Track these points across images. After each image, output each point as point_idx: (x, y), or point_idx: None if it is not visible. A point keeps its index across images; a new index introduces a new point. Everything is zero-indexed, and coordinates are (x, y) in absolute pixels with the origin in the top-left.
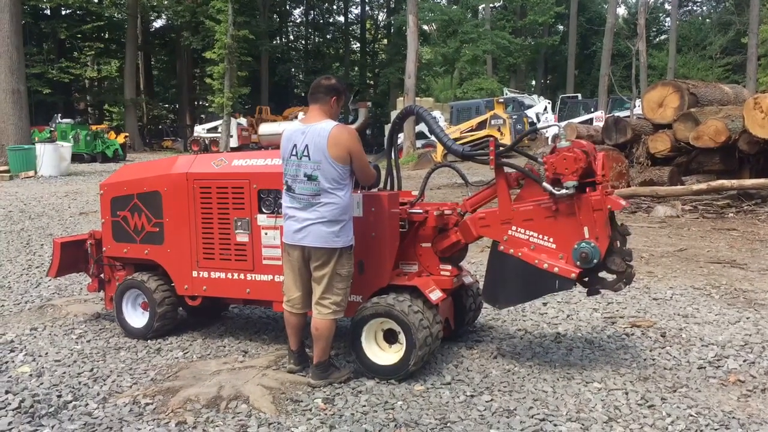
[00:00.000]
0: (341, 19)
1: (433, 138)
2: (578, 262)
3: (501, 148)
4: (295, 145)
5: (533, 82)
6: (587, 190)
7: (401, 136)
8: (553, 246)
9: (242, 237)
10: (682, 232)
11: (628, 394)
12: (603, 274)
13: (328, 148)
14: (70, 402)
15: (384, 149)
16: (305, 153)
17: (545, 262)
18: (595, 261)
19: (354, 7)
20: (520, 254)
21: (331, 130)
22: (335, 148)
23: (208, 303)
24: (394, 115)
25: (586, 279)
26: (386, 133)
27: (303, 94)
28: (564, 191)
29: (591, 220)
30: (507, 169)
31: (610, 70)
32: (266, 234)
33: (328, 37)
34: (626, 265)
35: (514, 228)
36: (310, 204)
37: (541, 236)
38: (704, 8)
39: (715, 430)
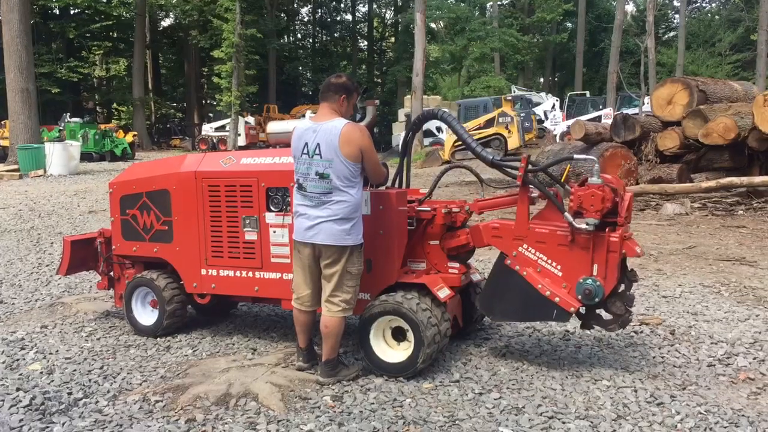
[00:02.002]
0: (349, 17)
1: (441, 136)
2: (580, 297)
3: (532, 167)
4: (306, 144)
5: (541, 80)
6: (607, 229)
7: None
8: (560, 273)
9: (251, 235)
10: (691, 229)
11: (637, 391)
12: (600, 311)
13: (339, 146)
14: (81, 399)
15: (405, 148)
16: (317, 151)
17: (548, 289)
18: (597, 299)
19: (361, 5)
20: (525, 273)
21: (343, 128)
22: (347, 146)
23: (217, 301)
24: (402, 113)
25: (583, 312)
26: (393, 131)
27: (311, 93)
28: (584, 226)
29: (603, 259)
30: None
31: (618, 68)
32: (275, 232)
33: (335, 35)
34: (626, 310)
35: (525, 246)
36: (322, 202)
37: (549, 261)
38: (713, 5)
39: (725, 427)
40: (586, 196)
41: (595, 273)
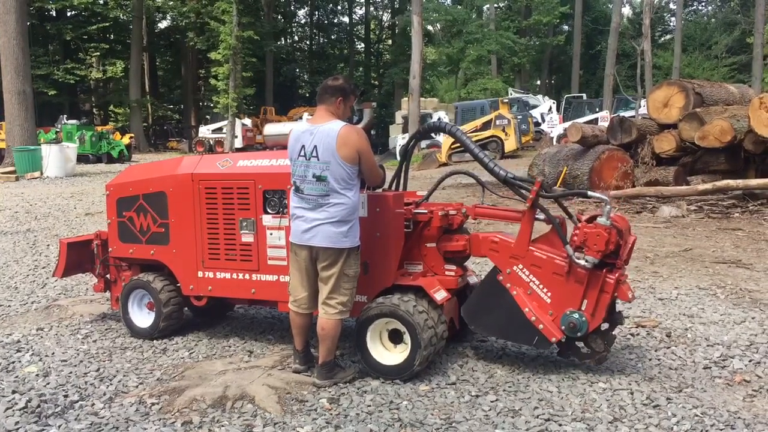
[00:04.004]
0: (345, 19)
1: (437, 138)
2: (564, 328)
3: (544, 192)
4: (303, 146)
5: (538, 82)
6: (604, 269)
7: (404, 136)
8: (548, 300)
9: (247, 237)
10: (687, 232)
11: (633, 394)
12: (580, 343)
13: (337, 148)
14: (77, 402)
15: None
16: (314, 154)
17: (534, 314)
18: (579, 334)
19: (358, 7)
20: (515, 293)
21: (340, 130)
22: (344, 149)
23: (214, 303)
24: (399, 115)
25: (563, 341)
26: (390, 133)
27: (308, 95)
28: (583, 262)
29: (594, 297)
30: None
31: (615, 70)
32: (271, 234)
33: (332, 37)
34: (604, 348)
35: (520, 266)
36: (319, 204)
37: (541, 286)
38: (709, 8)
39: (721, 430)
40: (591, 235)
41: (583, 308)
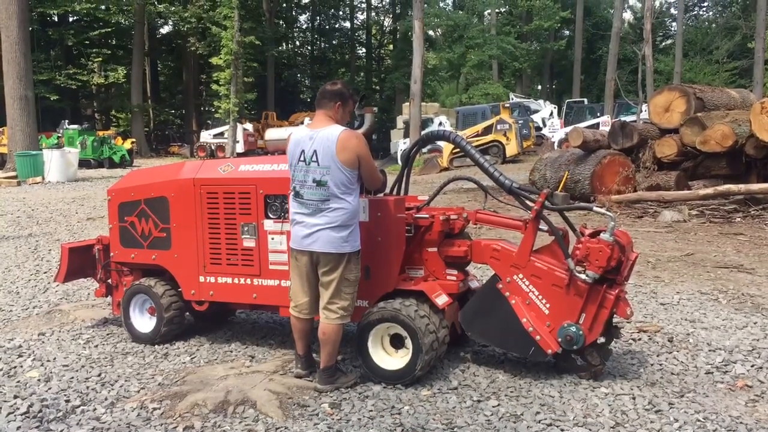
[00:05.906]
0: (347, 24)
1: (439, 143)
2: (560, 341)
3: (549, 203)
4: (303, 151)
5: (539, 87)
6: (604, 284)
7: (405, 141)
8: (546, 312)
9: (249, 242)
10: (689, 236)
11: (635, 399)
12: (576, 355)
13: (336, 153)
14: (79, 407)
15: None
16: (314, 158)
17: (531, 325)
18: (575, 347)
19: (360, 12)
20: (513, 302)
21: (339, 135)
22: (344, 153)
23: (215, 308)
24: (400, 120)
25: (559, 353)
26: (392, 138)
27: (309, 100)
28: (584, 277)
29: (593, 311)
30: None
31: (616, 75)
32: (273, 239)
33: (333, 42)
34: (600, 362)
35: (520, 275)
36: (319, 209)
37: (540, 297)
38: (710, 13)
39: None
40: (594, 250)
41: (581, 321)
